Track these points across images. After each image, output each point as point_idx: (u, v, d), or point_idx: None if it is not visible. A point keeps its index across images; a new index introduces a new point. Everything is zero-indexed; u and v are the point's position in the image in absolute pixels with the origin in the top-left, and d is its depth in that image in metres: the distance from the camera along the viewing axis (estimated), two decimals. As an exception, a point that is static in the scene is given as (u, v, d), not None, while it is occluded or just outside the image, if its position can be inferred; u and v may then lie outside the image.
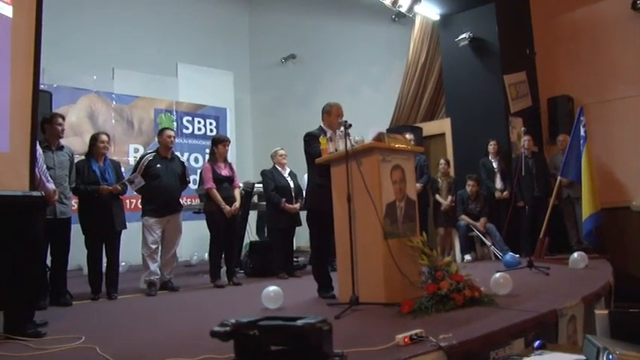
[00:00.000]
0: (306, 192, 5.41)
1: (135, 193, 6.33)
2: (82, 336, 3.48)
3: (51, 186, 4.14)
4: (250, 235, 7.76)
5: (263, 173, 7.15)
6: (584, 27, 8.46)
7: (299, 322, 1.17)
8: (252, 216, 7.93)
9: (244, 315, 1.32)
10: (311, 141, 4.87)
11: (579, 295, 4.08)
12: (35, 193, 3.78)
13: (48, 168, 4.57)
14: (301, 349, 1.15)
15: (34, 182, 3.80)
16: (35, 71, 3.71)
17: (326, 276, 4.94)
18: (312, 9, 11.67)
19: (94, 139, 5.66)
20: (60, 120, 5.23)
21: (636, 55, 7.90)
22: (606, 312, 2.54)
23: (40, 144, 4.34)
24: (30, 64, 3.69)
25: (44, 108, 5.93)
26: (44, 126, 5.13)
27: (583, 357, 2.48)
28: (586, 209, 6.82)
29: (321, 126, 5.03)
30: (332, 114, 4.94)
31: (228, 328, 1.16)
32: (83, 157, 5.69)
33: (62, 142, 5.35)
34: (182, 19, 11.49)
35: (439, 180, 8.05)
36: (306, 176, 6.12)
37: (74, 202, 5.77)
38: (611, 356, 2.16)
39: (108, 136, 5.82)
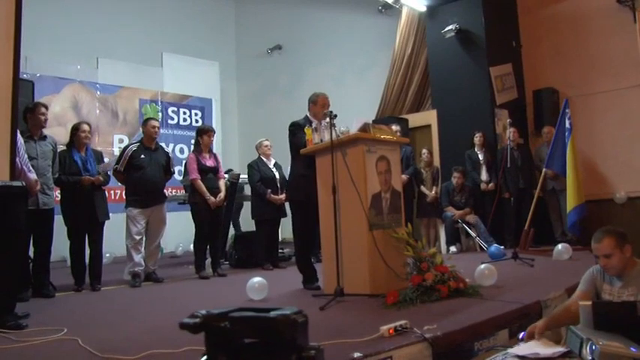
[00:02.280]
0: (288, 182, 5.38)
1: (119, 184, 6.27)
2: (64, 328, 3.45)
3: (32, 176, 4.08)
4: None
5: (249, 166, 7.11)
6: (569, 20, 8.49)
7: (272, 314, 1.14)
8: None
9: (228, 306, 1.29)
10: (296, 131, 4.85)
11: (563, 286, 4.11)
12: (16, 183, 3.72)
13: (30, 158, 4.51)
14: (275, 342, 1.12)
15: (15, 172, 3.74)
16: (15, 59, 3.64)
17: (310, 267, 4.92)
18: (299, -1, 11.63)
19: (75, 129, 5.56)
20: (43, 109, 5.14)
21: (620, 49, 7.94)
22: (590, 303, 2.55)
23: (22, 134, 4.28)
24: (10, 51, 3.61)
25: (26, 97, 5.85)
26: (26, 115, 5.05)
27: (564, 349, 2.49)
28: (570, 201, 6.85)
29: (307, 115, 5.01)
30: (318, 104, 4.92)
31: (197, 320, 1.13)
32: (64, 148, 5.61)
33: (45, 132, 5.26)
34: (168, 9, 11.37)
35: (423, 171, 8.06)
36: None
37: (57, 193, 5.70)
38: (594, 347, 2.17)
39: (89, 125, 5.72)
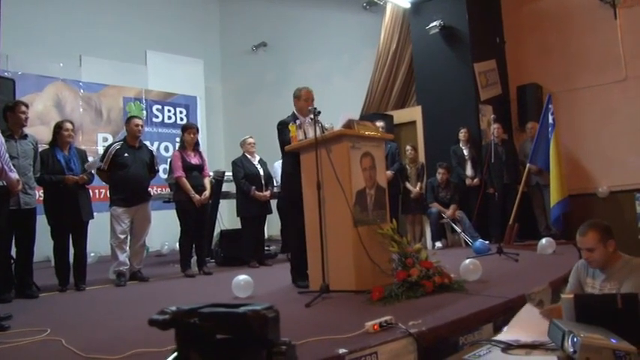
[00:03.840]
0: (281, 180, 5.34)
1: (103, 183, 6.23)
2: (47, 328, 3.42)
3: (14, 175, 4.04)
4: (221, 223, 7.71)
5: (233, 163, 7.09)
6: (552, 16, 8.56)
7: (242, 309, 1.14)
8: (223, 204, 7.86)
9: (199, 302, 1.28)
10: (283, 129, 4.84)
11: (547, 280, 4.14)
12: (-4, 183, 3.69)
13: (11, 157, 4.46)
14: (246, 338, 1.12)
15: (-4, 172, 3.70)
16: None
17: (304, 264, 4.71)
18: (283, -4, 11.60)
19: (58, 128, 5.51)
20: (23, 108, 5.09)
21: (602, 45, 8.02)
22: (572, 296, 2.58)
23: (2, 133, 4.23)
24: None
25: (7, 96, 5.81)
26: (6, 114, 5.01)
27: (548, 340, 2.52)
28: (554, 196, 6.92)
29: (293, 112, 5.00)
30: (301, 98, 4.93)
31: (167, 316, 1.13)
32: (47, 147, 5.56)
33: (27, 131, 5.21)
34: (151, 6, 11.27)
35: (408, 167, 8.09)
36: (276, 164, 6.03)
37: (40, 193, 5.64)
38: (575, 339, 2.19)
39: (72, 124, 5.67)
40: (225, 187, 7.61)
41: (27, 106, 5.21)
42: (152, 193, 6.61)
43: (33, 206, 5.12)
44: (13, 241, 5.01)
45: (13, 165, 4.25)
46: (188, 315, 1.13)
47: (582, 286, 3.09)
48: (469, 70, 8.26)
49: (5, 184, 3.82)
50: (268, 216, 7.17)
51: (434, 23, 8.44)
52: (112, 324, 3.79)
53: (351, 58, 10.56)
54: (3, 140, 4.07)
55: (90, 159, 5.89)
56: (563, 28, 8.44)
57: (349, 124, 4.36)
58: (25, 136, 5.13)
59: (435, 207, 7.73)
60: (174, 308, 1.13)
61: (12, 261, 5.07)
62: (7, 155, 4.06)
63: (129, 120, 6.18)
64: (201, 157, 6.38)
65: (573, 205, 7.23)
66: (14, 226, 4.79)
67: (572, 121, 8.15)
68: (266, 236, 7.51)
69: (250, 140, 7.11)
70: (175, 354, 1.15)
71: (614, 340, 2.19)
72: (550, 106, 7.11)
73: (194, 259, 6.38)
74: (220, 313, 1.15)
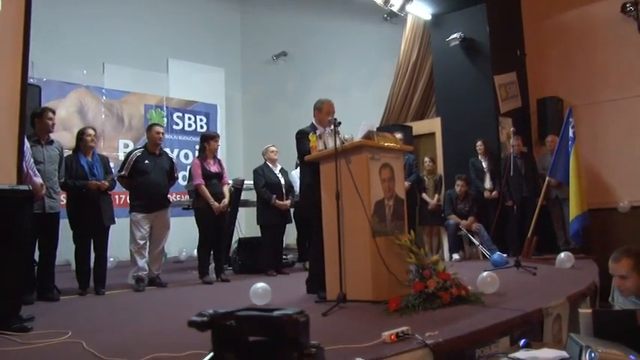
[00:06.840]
0: (300, 191, 5.35)
1: (124, 188, 6.32)
2: (68, 331, 3.46)
3: (38, 180, 4.11)
4: (239, 231, 7.76)
5: (254, 172, 7.14)
6: (574, 29, 8.52)
7: (276, 313, 1.19)
8: (242, 212, 7.91)
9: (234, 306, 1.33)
10: (302, 139, 4.86)
11: (565, 295, 4.11)
12: (22, 187, 3.76)
13: (37, 162, 4.56)
14: (278, 340, 1.17)
15: (22, 176, 3.78)
16: (24, 64, 3.68)
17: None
18: (304, 6, 11.65)
19: (81, 134, 5.62)
20: (50, 114, 5.20)
21: (625, 58, 7.97)
22: (589, 311, 2.56)
23: (29, 138, 4.32)
24: (18, 56, 3.66)
25: (33, 102, 5.89)
26: (34, 120, 5.10)
27: (566, 354, 2.50)
28: (573, 210, 6.86)
29: (312, 122, 5.03)
30: (323, 110, 4.93)
31: (205, 318, 1.17)
32: (71, 152, 5.65)
33: (52, 136, 5.31)
34: (174, 15, 11.42)
35: (426, 179, 8.09)
36: (293, 172, 6.03)
37: (63, 197, 5.74)
38: (593, 354, 2.18)
39: (95, 130, 5.79)
40: (243, 196, 7.66)
41: (54, 112, 5.33)
42: (171, 200, 6.68)
43: (57, 211, 5.22)
44: (37, 244, 5.09)
45: (39, 170, 4.35)
46: (225, 317, 1.18)
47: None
48: (489, 83, 8.25)
49: (30, 188, 3.89)
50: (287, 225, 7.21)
51: (454, 35, 8.45)
52: (131, 328, 3.84)
53: (370, 69, 10.59)
54: (29, 145, 4.16)
55: (111, 164, 5.99)
56: (585, 41, 8.40)
57: (369, 135, 4.38)
58: (52, 142, 5.24)
59: (452, 219, 7.71)
60: (211, 311, 1.18)
61: (34, 264, 5.15)
62: (32, 160, 4.15)
63: (150, 127, 6.27)
64: (220, 165, 6.45)
65: (593, 220, 7.16)
66: (38, 229, 4.86)
67: (593, 134, 8.09)
68: (283, 245, 7.54)
69: (272, 148, 7.17)
70: (211, 354, 1.20)
71: (632, 357, 2.17)
72: (571, 119, 7.06)
73: (212, 265, 6.43)
74: (256, 316, 1.20)
